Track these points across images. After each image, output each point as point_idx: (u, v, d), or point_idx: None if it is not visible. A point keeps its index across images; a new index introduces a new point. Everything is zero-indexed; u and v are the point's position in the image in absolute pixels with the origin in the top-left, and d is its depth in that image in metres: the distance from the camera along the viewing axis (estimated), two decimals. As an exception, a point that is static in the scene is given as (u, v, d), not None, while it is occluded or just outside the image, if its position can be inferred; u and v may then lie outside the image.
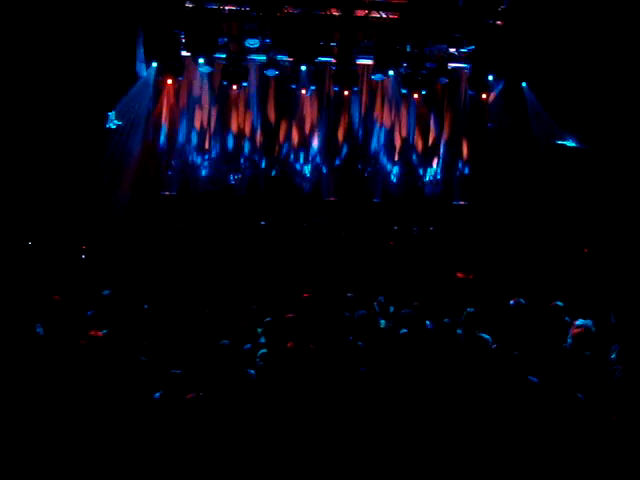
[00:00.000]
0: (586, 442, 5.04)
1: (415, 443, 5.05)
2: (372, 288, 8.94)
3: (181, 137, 12.57)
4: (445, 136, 13.05)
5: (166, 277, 9.67)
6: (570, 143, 11.81)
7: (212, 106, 12.63)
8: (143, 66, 11.54)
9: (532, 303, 7.75)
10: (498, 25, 11.13)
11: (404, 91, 12.15)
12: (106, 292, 7.89)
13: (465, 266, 10.72)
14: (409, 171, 13.09)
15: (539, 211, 11.61)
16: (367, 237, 11.71)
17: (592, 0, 10.78)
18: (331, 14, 11.32)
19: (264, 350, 6.33)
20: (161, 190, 12.34)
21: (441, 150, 13.07)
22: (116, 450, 4.84)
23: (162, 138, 12.44)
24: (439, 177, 13.01)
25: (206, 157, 12.73)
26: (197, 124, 12.67)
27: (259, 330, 6.93)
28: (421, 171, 13.10)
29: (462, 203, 12.84)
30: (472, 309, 7.36)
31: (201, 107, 12.58)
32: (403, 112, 13.00)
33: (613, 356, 6.39)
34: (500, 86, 12.12)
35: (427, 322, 7.13)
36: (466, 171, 13.02)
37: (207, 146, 12.73)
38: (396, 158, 13.09)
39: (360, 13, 11.36)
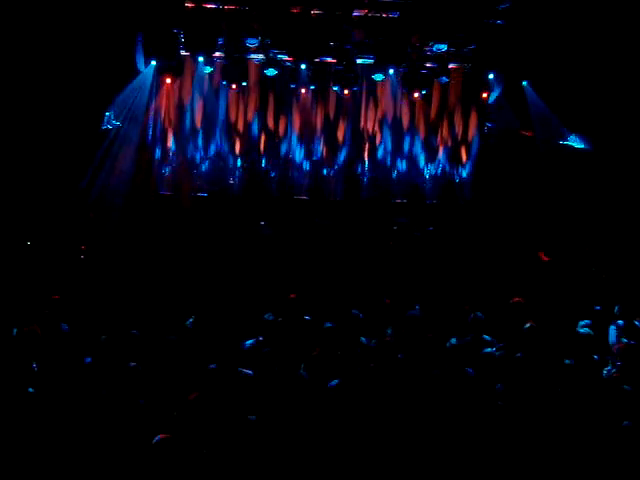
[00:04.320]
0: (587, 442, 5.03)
1: (415, 443, 5.03)
2: (372, 288, 8.91)
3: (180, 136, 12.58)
4: (445, 135, 13.03)
5: (165, 277, 9.63)
6: (575, 144, 11.78)
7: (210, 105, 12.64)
8: (142, 64, 11.56)
9: (532, 303, 7.71)
10: (499, 24, 11.11)
11: (404, 90, 12.14)
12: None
13: (464, 266, 10.67)
14: (409, 171, 13.08)
15: (539, 211, 11.58)
16: (367, 237, 11.67)
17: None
18: (331, 14, 11.30)
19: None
20: (160, 190, 12.35)
21: (441, 150, 13.05)
22: (113, 450, 4.81)
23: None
24: (439, 176, 13.01)
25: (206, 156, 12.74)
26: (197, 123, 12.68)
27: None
28: (421, 171, 13.09)
29: (462, 203, 12.83)
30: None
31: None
32: (403, 112, 12.98)
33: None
34: (497, 86, 12.13)
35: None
36: (466, 172, 13.01)
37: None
38: (396, 158, 13.08)
39: (360, 13, 11.34)
